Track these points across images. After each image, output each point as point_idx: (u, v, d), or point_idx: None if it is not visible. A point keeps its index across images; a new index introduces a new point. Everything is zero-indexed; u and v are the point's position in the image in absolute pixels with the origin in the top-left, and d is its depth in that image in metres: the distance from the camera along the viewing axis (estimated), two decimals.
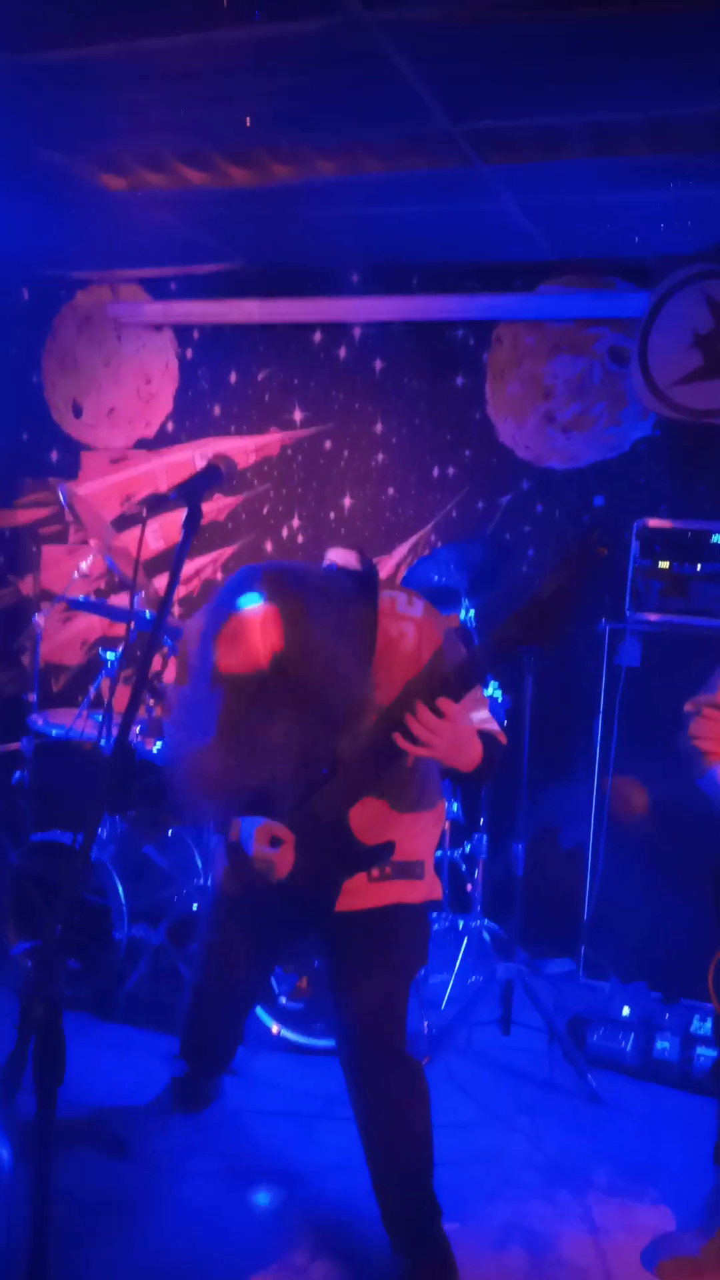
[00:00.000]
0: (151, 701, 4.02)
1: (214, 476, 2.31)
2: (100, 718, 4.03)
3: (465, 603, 4.07)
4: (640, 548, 4.11)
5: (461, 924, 4.17)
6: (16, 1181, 2.68)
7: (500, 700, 3.97)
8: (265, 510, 5.27)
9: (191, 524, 2.20)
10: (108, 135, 3.64)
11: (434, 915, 3.09)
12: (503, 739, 2.50)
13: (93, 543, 4.54)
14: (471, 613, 4.05)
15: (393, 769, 2.44)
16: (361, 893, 2.56)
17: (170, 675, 4.03)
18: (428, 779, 2.63)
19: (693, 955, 3.45)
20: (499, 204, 4.00)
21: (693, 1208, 2.99)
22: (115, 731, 3.87)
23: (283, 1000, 3.58)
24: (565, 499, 4.78)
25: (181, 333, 5.40)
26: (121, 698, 4.12)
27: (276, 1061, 3.57)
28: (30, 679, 4.53)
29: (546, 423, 4.82)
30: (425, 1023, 3.69)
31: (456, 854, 4.25)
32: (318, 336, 5.13)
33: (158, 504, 2.27)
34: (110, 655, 4.12)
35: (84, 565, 4.83)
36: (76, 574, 4.72)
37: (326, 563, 2.52)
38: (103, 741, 3.92)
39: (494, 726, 2.50)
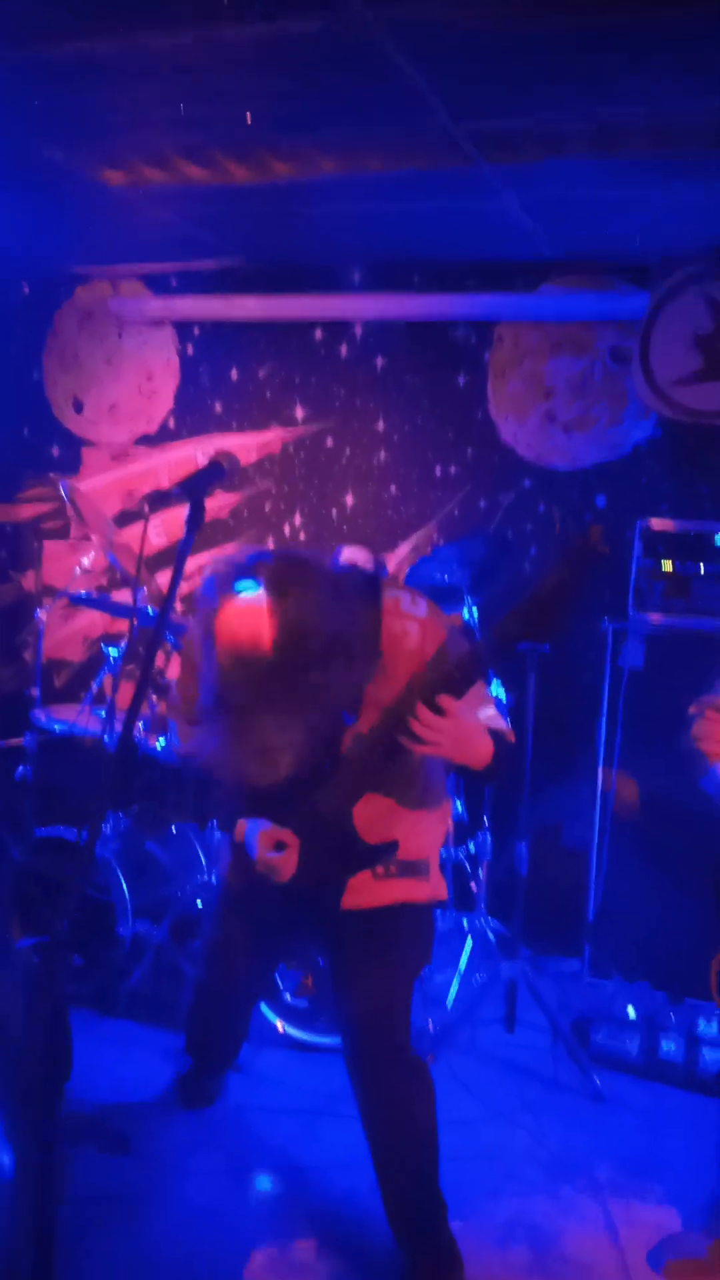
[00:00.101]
0: (154, 697, 4.02)
1: (217, 472, 2.31)
2: (103, 713, 4.02)
3: (468, 601, 4.07)
4: (643, 548, 4.11)
5: (466, 922, 4.17)
6: (21, 1177, 2.68)
7: (504, 699, 3.97)
8: (267, 507, 5.27)
9: (195, 520, 2.20)
10: (109, 132, 3.63)
11: (438, 914, 3.09)
12: (511, 736, 2.50)
13: (94, 539, 4.54)
14: (474, 611, 4.05)
15: (397, 767, 2.44)
16: (366, 891, 2.56)
17: (174, 671, 4.03)
18: (433, 777, 2.63)
19: (697, 955, 3.45)
20: (500, 203, 4.00)
21: (698, 1207, 2.99)
22: (118, 727, 3.87)
23: (287, 997, 3.58)
24: (567, 498, 4.78)
25: (183, 329, 5.39)
26: (124, 693, 4.12)
27: (280, 1058, 3.57)
28: (32, 674, 4.53)
29: (548, 422, 4.81)
30: (430, 1021, 3.69)
31: (460, 852, 4.24)
32: (319, 334, 5.12)
33: (161, 500, 2.26)
34: (113, 651, 4.11)
35: (86, 561, 4.84)
36: (78, 570, 4.72)
37: (341, 558, 2.52)
38: (105, 737, 3.92)
39: (502, 724, 2.50)
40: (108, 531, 4.09)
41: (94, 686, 4.25)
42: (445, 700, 2.24)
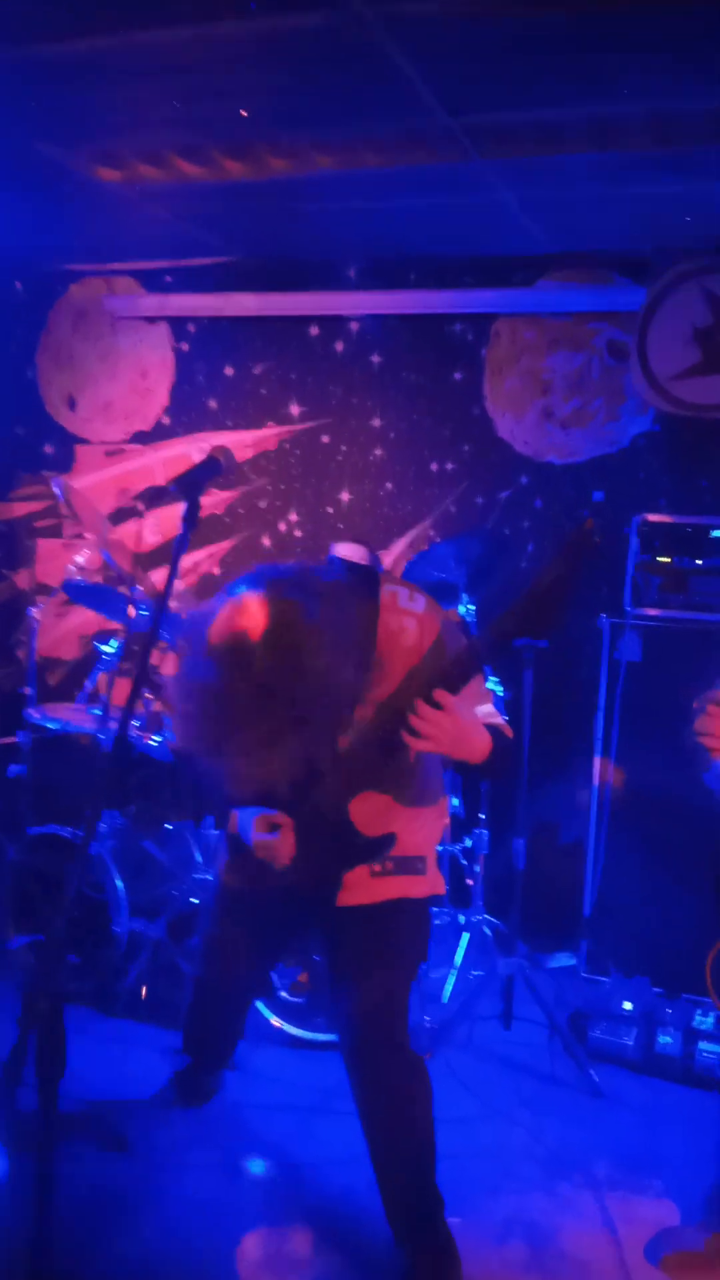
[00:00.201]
0: (150, 695, 4.00)
1: (213, 468, 2.30)
2: (98, 711, 4.01)
3: (464, 598, 4.06)
4: (640, 543, 4.11)
5: (462, 919, 4.17)
6: (18, 1175, 2.68)
7: (500, 695, 3.97)
8: (263, 504, 5.26)
9: (191, 517, 2.19)
10: (104, 129, 3.63)
11: (435, 910, 3.09)
12: (509, 732, 2.50)
13: (88, 536, 4.53)
14: (471, 608, 4.04)
15: (395, 763, 2.43)
16: (364, 888, 2.56)
17: (169, 669, 4.02)
18: (430, 773, 2.62)
19: (693, 950, 3.46)
20: (497, 198, 4.00)
21: (696, 1202, 2.99)
22: (113, 725, 3.86)
23: (284, 994, 3.58)
24: (564, 494, 4.77)
25: (177, 326, 5.38)
26: (119, 691, 4.11)
27: (277, 1055, 3.56)
28: (27, 673, 4.52)
29: (545, 418, 4.81)
30: (426, 1017, 3.69)
31: (457, 849, 4.25)
32: (315, 330, 5.11)
33: (156, 497, 2.26)
34: (107, 649, 4.10)
35: (80, 559, 4.82)
36: (72, 568, 4.71)
37: (338, 554, 2.52)
38: (100, 735, 3.91)
39: (499, 720, 2.50)
40: (102, 529, 4.08)
41: (88, 684, 4.24)
42: (442, 695, 2.23)
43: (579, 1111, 3.44)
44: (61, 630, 5.59)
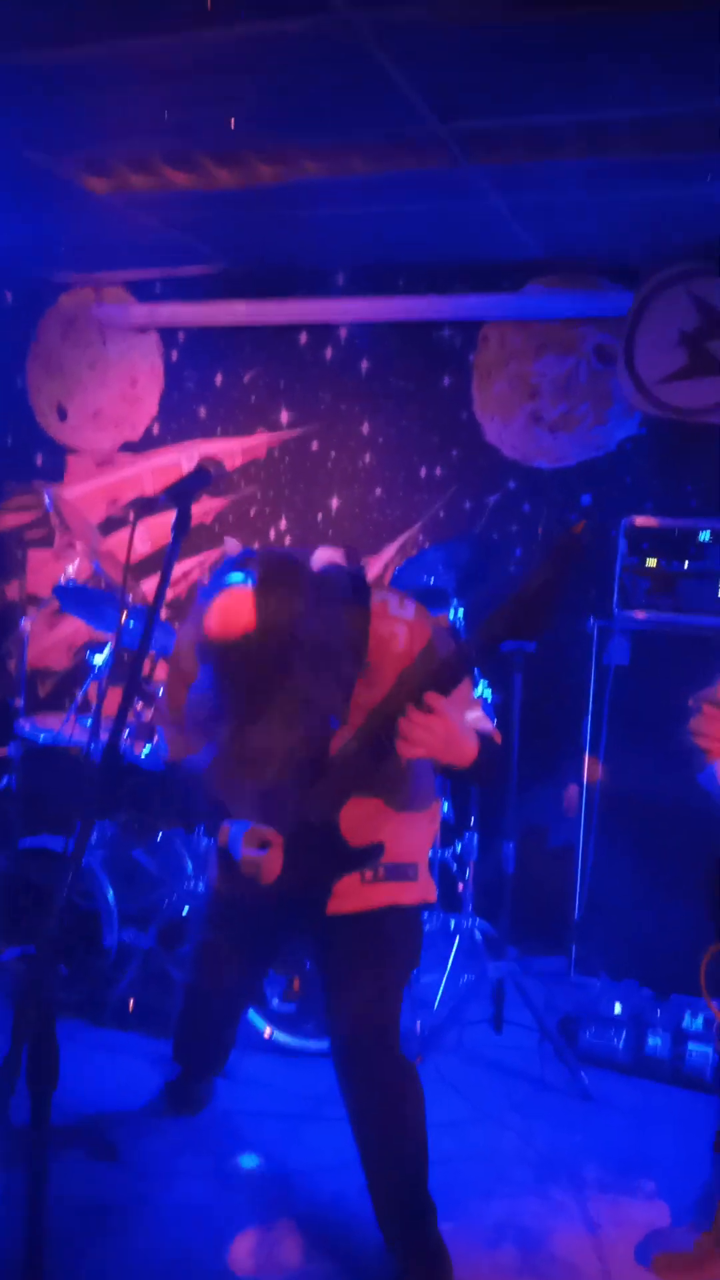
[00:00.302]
0: (141, 705, 4.01)
1: (203, 479, 2.31)
2: (89, 722, 4.01)
3: (454, 602, 4.07)
4: (627, 546, 4.12)
5: (453, 924, 4.17)
6: (10, 1186, 2.67)
7: (490, 699, 3.98)
8: (253, 512, 5.27)
9: (181, 527, 2.20)
10: (92, 137, 3.64)
11: (425, 915, 3.09)
12: (498, 737, 2.50)
13: (79, 546, 4.53)
14: (460, 612, 4.06)
15: (385, 769, 2.44)
16: (354, 895, 2.56)
17: (161, 677, 4.02)
18: (421, 779, 2.62)
19: (682, 950, 3.46)
20: (486, 204, 4.01)
21: (686, 1202, 3.00)
22: (104, 735, 3.86)
23: (274, 1002, 3.58)
24: (552, 498, 4.79)
25: (167, 335, 5.39)
26: (110, 701, 4.11)
27: (267, 1063, 3.56)
28: (17, 684, 4.52)
29: (533, 422, 4.83)
30: (417, 1022, 3.69)
31: (447, 853, 4.25)
32: (304, 338, 5.13)
33: (147, 507, 2.27)
34: (98, 659, 4.10)
35: (70, 569, 4.82)
36: (63, 578, 4.71)
37: (315, 562, 2.51)
38: (91, 746, 3.91)
39: (488, 726, 2.50)
40: (92, 539, 4.08)
41: (79, 695, 4.24)
42: (433, 698, 2.24)
43: (569, 1115, 3.45)
44: (51, 640, 5.59)
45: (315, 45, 2.90)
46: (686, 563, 4.04)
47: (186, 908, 3.89)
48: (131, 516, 2.17)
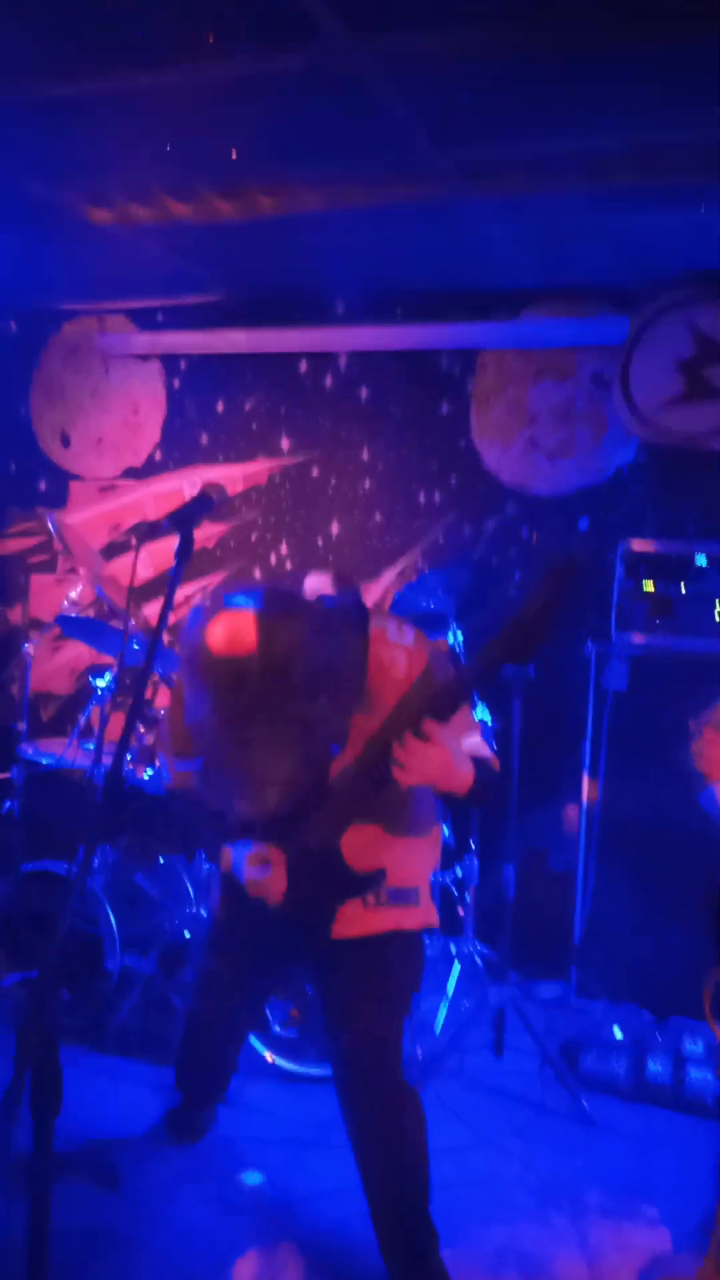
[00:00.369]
0: (143, 729, 4.02)
1: (206, 505, 2.34)
2: (91, 746, 4.02)
3: (453, 627, 4.09)
4: (625, 570, 4.14)
5: (453, 948, 4.17)
6: (12, 1214, 2.66)
7: (489, 724, 3.99)
8: (254, 538, 5.30)
9: (184, 552, 2.23)
10: (95, 169, 3.69)
11: (426, 939, 3.10)
12: (496, 763, 2.52)
13: (81, 571, 4.55)
14: (460, 637, 4.07)
15: (385, 795, 2.45)
16: (358, 920, 2.56)
17: (163, 703, 4.03)
18: (422, 804, 2.63)
19: (682, 974, 3.47)
20: (484, 232, 4.05)
21: (688, 1228, 2.99)
22: (106, 760, 3.87)
23: (276, 1028, 3.57)
24: (550, 523, 4.82)
25: (169, 363, 5.43)
26: (112, 726, 4.12)
27: (269, 1090, 3.55)
28: (20, 708, 4.54)
29: (531, 448, 4.86)
30: (418, 1048, 3.69)
31: (447, 877, 4.25)
32: (304, 366, 5.17)
33: (150, 532, 2.30)
34: (100, 683, 4.12)
35: (73, 594, 4.85)
36: (66, 603, 4.73)
37: (306, 590, 2.52)
38: (93, 770, 3.92)
39: (486, 752, 2.51)
40: (95, 564, 4.10)
41: (81, 719, 4.26)
42: (430, 726, 2.25)
43: (571, 1140, 3.44)
44: (54, 665, 5.61)
45: (314, 77, 2.94)
46: (684, 586, 4.06)
47: (188, 933, 3.89)
48: (134, 541, 2.20)
